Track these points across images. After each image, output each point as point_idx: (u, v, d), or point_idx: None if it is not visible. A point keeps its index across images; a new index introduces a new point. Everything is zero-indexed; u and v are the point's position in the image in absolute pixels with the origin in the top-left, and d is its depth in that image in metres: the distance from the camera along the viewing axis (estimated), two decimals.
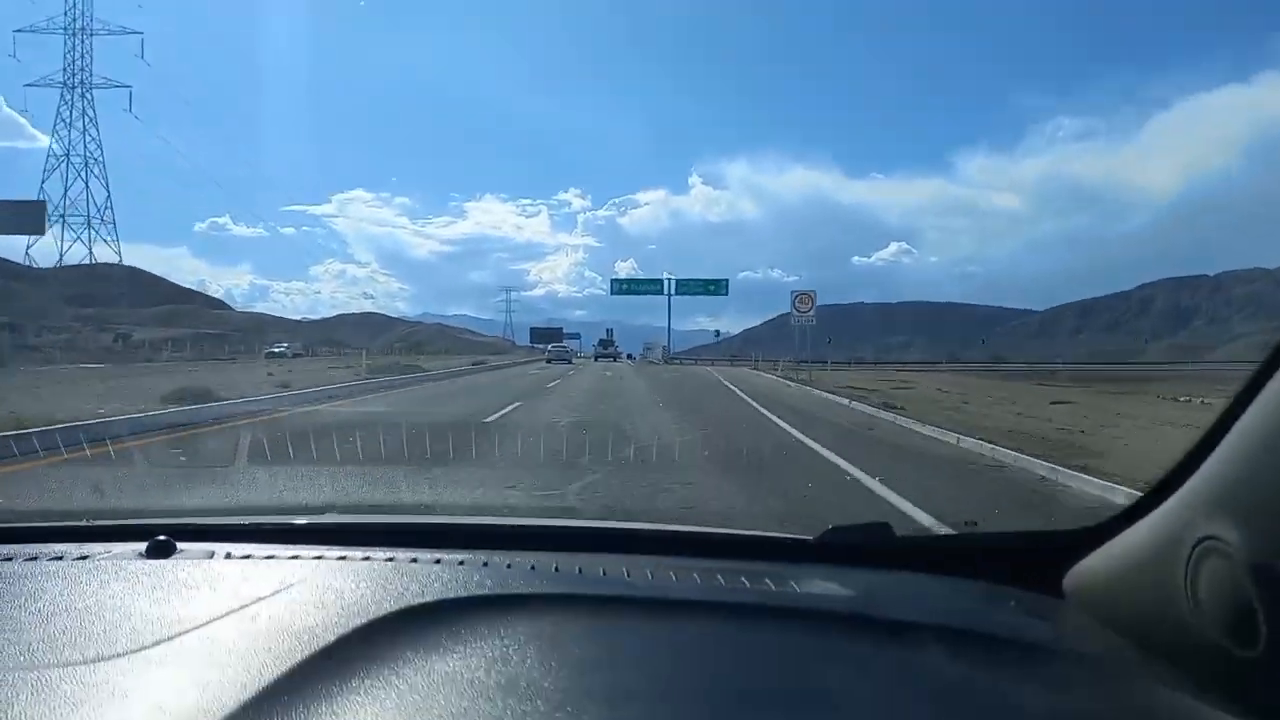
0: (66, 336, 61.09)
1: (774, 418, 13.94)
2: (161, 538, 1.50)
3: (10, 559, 1.44)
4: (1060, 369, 52.84)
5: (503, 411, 13.96)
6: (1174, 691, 0.97)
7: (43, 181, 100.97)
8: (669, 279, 74.38)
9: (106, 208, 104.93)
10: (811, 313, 30.09)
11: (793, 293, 29.46)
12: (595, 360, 64.83)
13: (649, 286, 78.90)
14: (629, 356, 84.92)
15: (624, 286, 79.87)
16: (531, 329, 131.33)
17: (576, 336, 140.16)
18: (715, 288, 75.38)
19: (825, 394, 19.81)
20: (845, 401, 17.28)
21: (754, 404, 17.21)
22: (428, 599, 1.20)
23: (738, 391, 21.77)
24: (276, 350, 67.74)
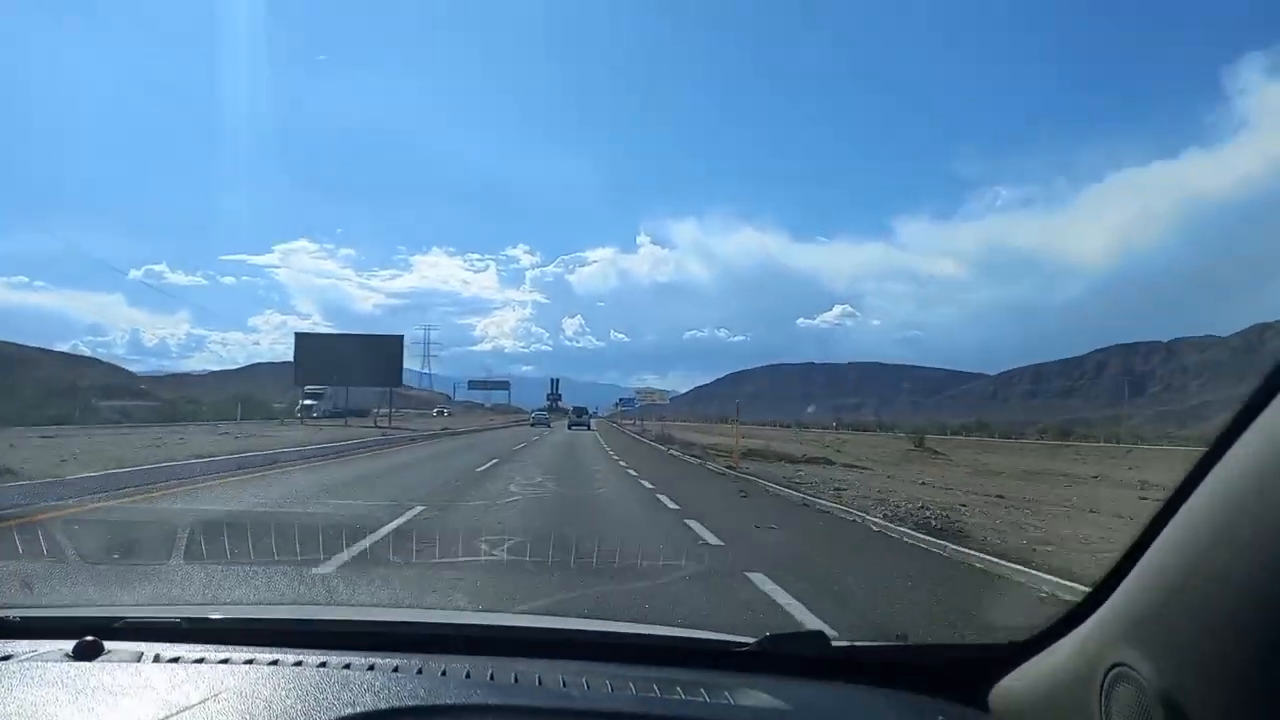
0: None
1: None
2: (89, 638, 1.47)
3: None
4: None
5: None
6: None
7: None
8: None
9: None
10: None
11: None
12: (569, 428, 56.79)
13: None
14: (589, 414, 70.52)
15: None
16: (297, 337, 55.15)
17: (505, 386, 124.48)
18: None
19: None
20: None
21: None
22: (357, 710, 1.19)
23: None
24: None
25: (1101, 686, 1.03)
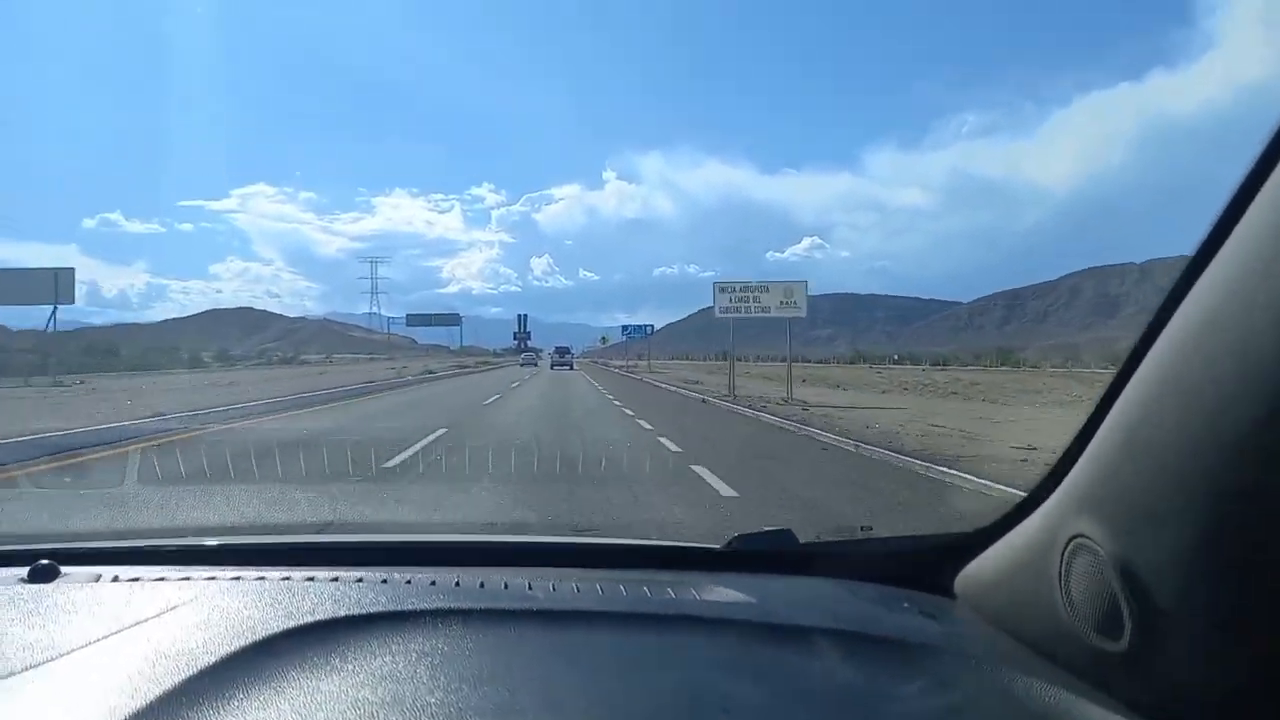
0: None
1: None
2: (44, 562, 1.46)
3: None
4: None
5: None
6: (1046, 684, 1.00)
7: None
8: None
9: None
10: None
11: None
12: (551, 367, 59.10)
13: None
14: (571, 354, 66.90)
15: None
16: None
17: (454, 322, 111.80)
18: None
19: None
20: None
21: None
22: (319, 617, 1.19)
23: None
24: None
25: (1061, 559, 1.04)
